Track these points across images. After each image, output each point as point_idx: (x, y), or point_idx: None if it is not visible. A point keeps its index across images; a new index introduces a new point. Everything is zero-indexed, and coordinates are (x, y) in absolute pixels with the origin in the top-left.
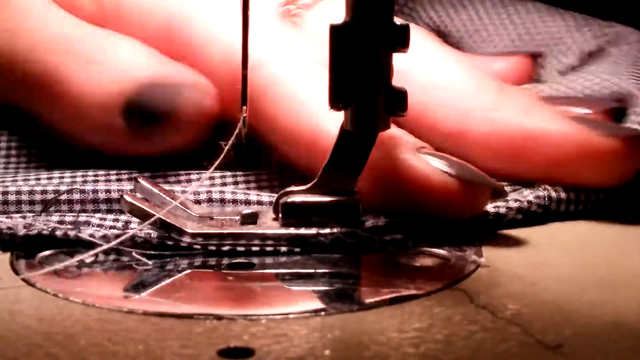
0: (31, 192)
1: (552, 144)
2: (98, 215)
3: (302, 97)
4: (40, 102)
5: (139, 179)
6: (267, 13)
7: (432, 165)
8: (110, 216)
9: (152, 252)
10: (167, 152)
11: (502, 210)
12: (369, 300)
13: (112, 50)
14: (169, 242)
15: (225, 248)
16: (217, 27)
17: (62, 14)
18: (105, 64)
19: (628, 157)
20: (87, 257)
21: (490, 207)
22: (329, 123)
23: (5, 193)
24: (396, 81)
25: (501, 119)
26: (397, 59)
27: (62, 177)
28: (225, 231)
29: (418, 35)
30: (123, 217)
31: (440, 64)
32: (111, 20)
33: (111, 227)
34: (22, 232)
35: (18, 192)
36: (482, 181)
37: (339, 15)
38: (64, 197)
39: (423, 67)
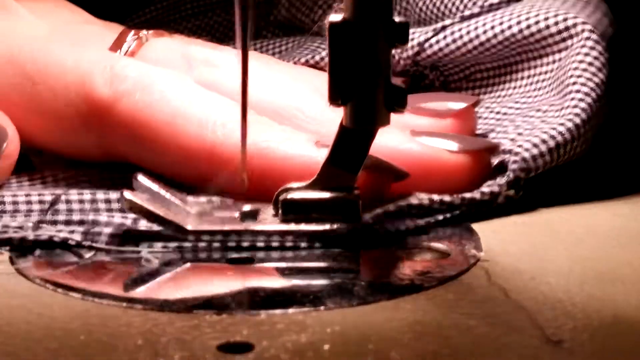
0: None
1: (401, 163)
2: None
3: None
4: None
5: (138, 176)
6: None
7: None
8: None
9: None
10: None
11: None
12: (368, 295)
13: None
14: (170, 242)
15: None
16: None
17: None
18: None
19: (473, 170)
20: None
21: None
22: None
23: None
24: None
25: None
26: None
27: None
28: (225, 228)
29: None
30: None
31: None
32: None
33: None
34: (31, 236)
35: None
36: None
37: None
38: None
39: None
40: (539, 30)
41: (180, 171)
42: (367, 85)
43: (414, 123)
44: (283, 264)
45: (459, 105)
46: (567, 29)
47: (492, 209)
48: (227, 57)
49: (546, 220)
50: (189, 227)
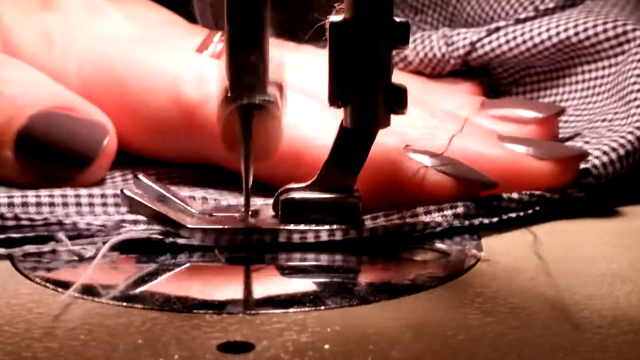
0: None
1: (485, 168)
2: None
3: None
4: None
5: (138, 176)
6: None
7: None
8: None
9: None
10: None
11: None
12: (369, 295)
13: (7, 79)
14: (169, 240)
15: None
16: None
17: None
18: None
19: (560, 177)
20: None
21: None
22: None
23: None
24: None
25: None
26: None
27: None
28: (225, 227)
29: None
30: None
31: None
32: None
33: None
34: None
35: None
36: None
37: None
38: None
39: None
40: (596, 34)
41: (268, 172)
42: (367, 86)
43: (496, 129)
44: (283, 264)
45: (541, 113)
46: (624, 33)
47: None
48: (305, 57)
49: (546, 221)
50: (189, 226)
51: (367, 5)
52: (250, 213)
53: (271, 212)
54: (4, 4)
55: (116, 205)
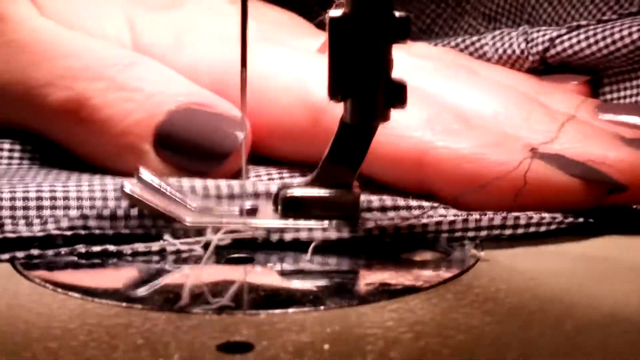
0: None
1: (612, 171)
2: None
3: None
4: (62, 128)
5: (140, 170)
6: None
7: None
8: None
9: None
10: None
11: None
12: (368, 295)
13: (143, 77)
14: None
15: (225, 242)
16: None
17: (87, 38)
18: (136, 91)
19: None
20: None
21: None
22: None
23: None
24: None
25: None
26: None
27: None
28: (225, 221)
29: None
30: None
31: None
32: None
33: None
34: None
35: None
36: (601, 178)
37: None
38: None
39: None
40: None
41: (388, 177)
42: (367, 80)
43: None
44: (283, 264)
45: None
46: None
47: None
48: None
49: None
50: (188, 220)
51: (367, 0)
52: (250, 210)
53: (271, 208)
54: (135, 5)
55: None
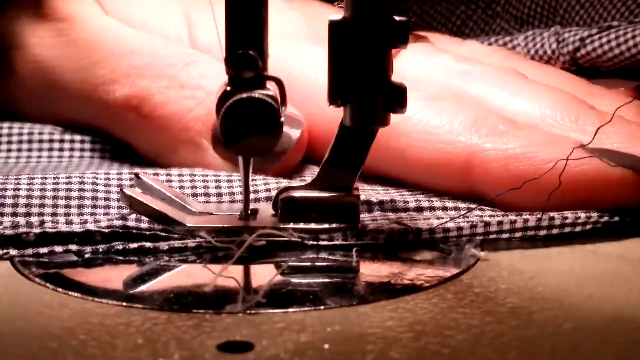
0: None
1: None
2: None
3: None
4: (124, 124)
5: (139, 174)
6: None
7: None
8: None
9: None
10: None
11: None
12: (368, 294)
13: (203, 74)
14: (164, 234)
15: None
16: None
17: (149, 37)
18: (196, 89)
19: None
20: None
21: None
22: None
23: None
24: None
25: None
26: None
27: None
28: (225, 225)
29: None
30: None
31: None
32: None
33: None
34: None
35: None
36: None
37: None
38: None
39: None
40: None
41: (436, 184)
42: (367, 85)
43: None
44: (283, 263)
45: None
46: None
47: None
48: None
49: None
50: (188, 224)
51: (367, 4)
52: (250, 212)
53: (271, 211)
54: (193, 4)
55: None
